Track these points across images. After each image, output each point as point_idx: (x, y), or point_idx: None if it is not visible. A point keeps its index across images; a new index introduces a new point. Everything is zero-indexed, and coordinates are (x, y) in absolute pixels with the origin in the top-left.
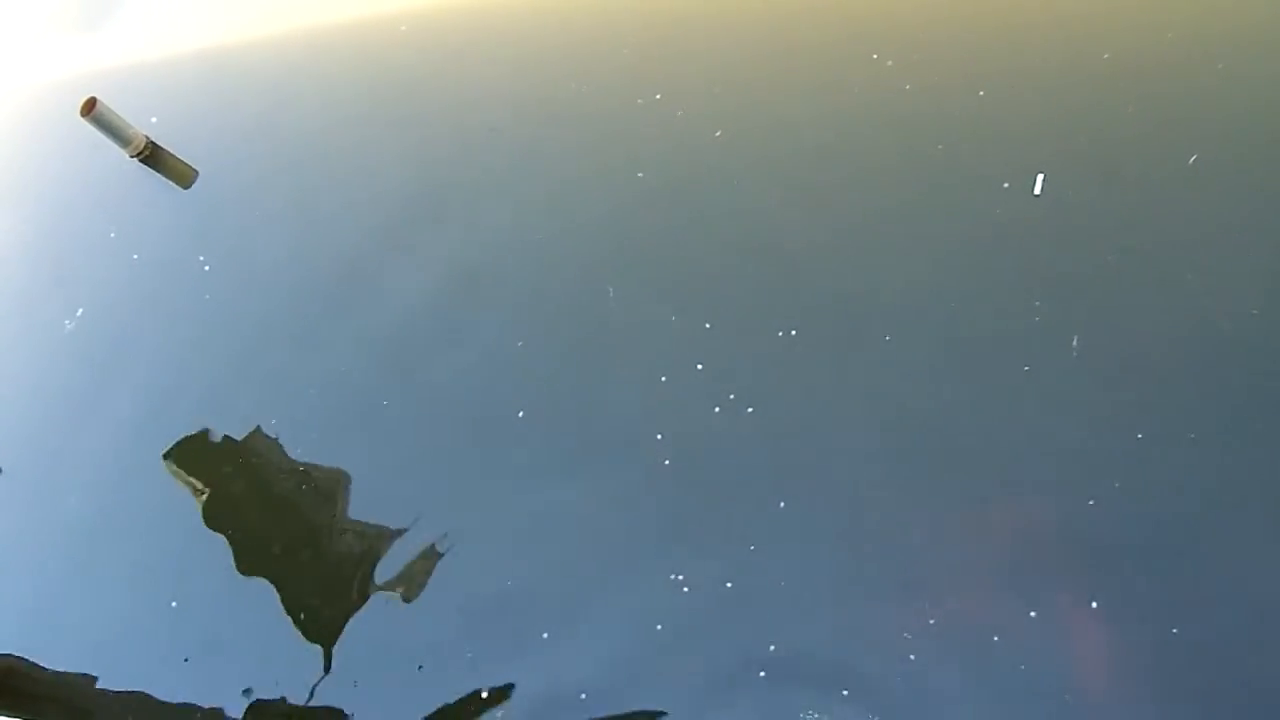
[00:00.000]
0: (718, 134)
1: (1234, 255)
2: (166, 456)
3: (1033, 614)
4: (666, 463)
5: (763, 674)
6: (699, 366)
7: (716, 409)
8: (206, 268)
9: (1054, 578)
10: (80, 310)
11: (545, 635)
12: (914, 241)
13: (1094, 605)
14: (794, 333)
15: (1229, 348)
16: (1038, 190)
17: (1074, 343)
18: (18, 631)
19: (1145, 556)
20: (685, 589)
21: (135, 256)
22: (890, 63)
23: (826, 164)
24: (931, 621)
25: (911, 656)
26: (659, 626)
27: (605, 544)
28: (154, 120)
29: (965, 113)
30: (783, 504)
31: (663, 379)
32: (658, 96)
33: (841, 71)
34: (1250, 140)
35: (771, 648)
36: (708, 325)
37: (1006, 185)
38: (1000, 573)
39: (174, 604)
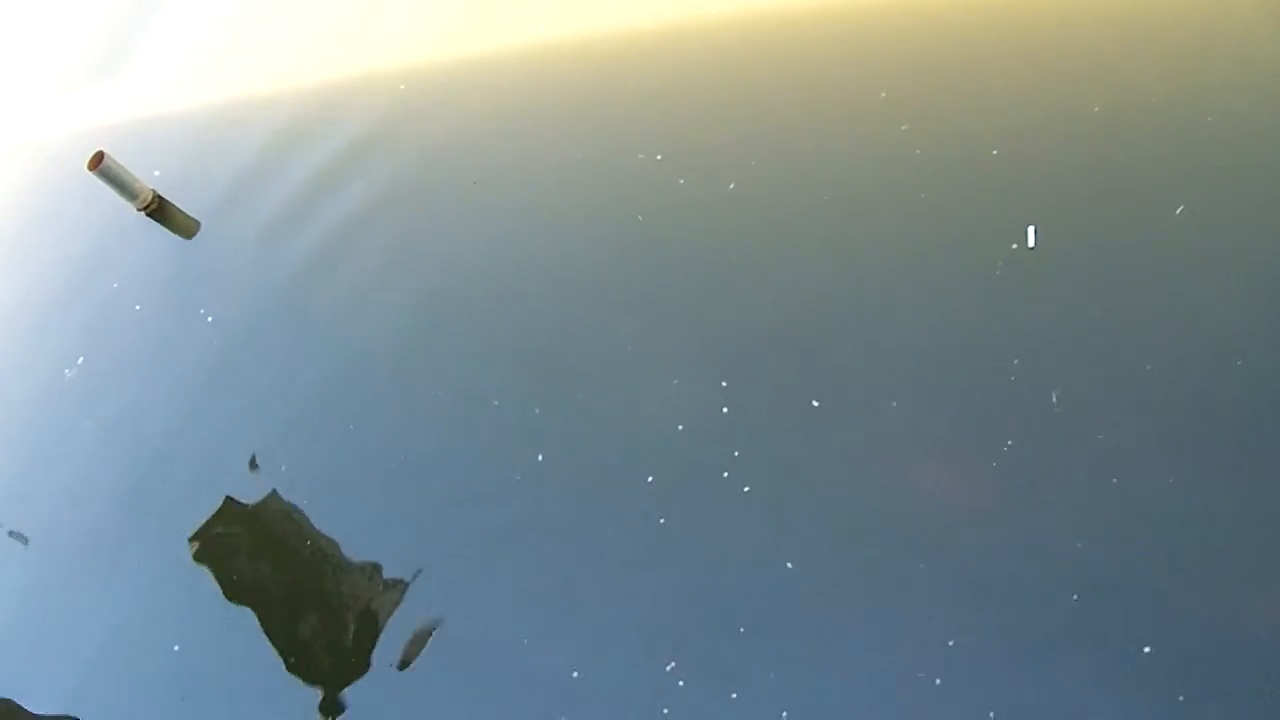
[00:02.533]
0: (731, 187)
1: (1220, 303)
2: (168, 513)
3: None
4: (662, 521)
5: None
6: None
7: (725, 473)
8: (209, 319)
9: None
10: (81, 359)
11: (548, 691)
12: (922, 297)
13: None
14: (815, 403)
15: (1216, 397)
16: (1031, 243)
17: (1053, 398)
18: (13, 675)
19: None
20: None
21: (138, 307)
22: (905, 127)
23: (836, 220)
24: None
25: None
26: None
27: (610, 602)
28: (157, 174)
29: (970, 168)
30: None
31: (679, 427)
32: (659, 157)
33: (849, 125)
34: (1240, 191)
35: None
36: (724, 384)
37: (1015, 246)
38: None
39: (176, 648)
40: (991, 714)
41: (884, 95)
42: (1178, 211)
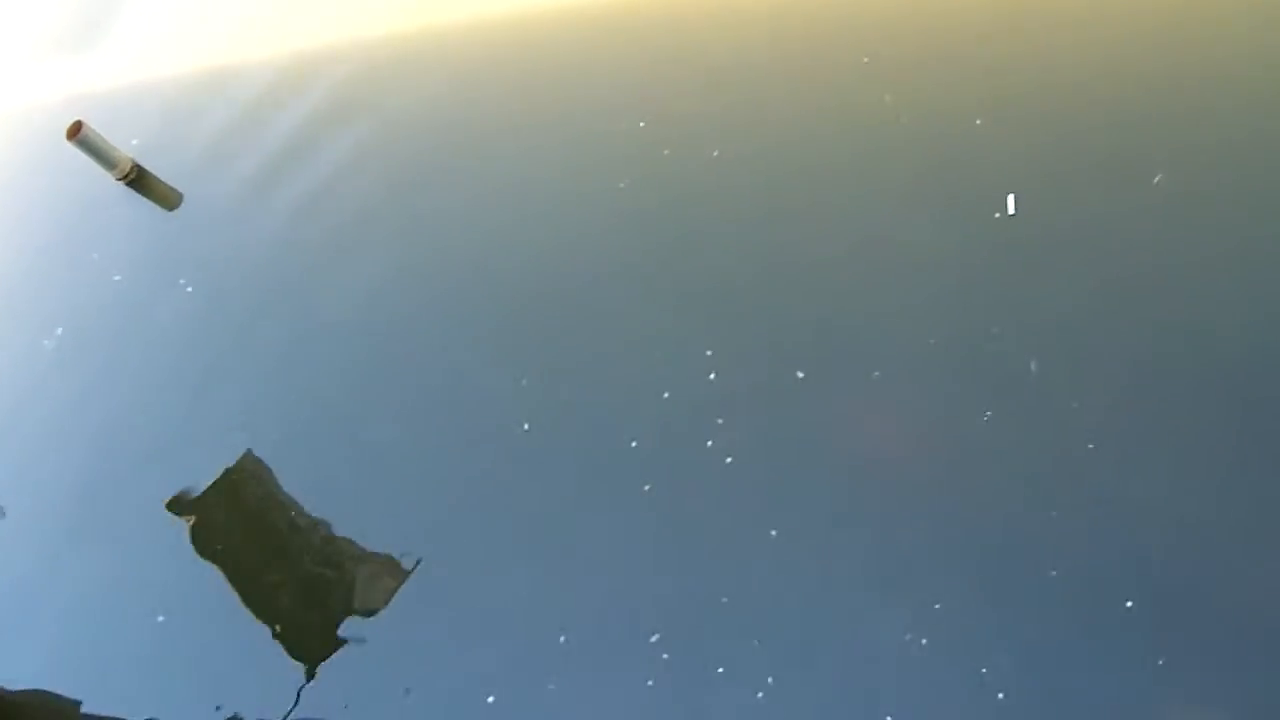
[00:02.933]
0: (715, 154)
1: (1198, 271)
2: (149, 482)
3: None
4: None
5: None
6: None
7: (709, 442)
8: (189, 289)
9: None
10: (60, 330)
11: (537, 662)
12: (905, 266)
13: None
14: (799, 374)
15: (1194, 365)
16: (1011, 210)
17: (1032, 366)
18: None
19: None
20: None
21: (117, 278)
22: (889, 98)
23: (819, 189)
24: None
25: None
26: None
27: (600, 570)
28: (135, 143)
29: (956, 138)
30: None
31: (664, 395)
32: (641, 124)
33: (832, 94)
34: (1220, 161)
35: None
36: (709, 352)
37: (997, 215)
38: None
39: (160, 619)
40: (984, 670)
41: (866, 60)
42: (1155, 180)
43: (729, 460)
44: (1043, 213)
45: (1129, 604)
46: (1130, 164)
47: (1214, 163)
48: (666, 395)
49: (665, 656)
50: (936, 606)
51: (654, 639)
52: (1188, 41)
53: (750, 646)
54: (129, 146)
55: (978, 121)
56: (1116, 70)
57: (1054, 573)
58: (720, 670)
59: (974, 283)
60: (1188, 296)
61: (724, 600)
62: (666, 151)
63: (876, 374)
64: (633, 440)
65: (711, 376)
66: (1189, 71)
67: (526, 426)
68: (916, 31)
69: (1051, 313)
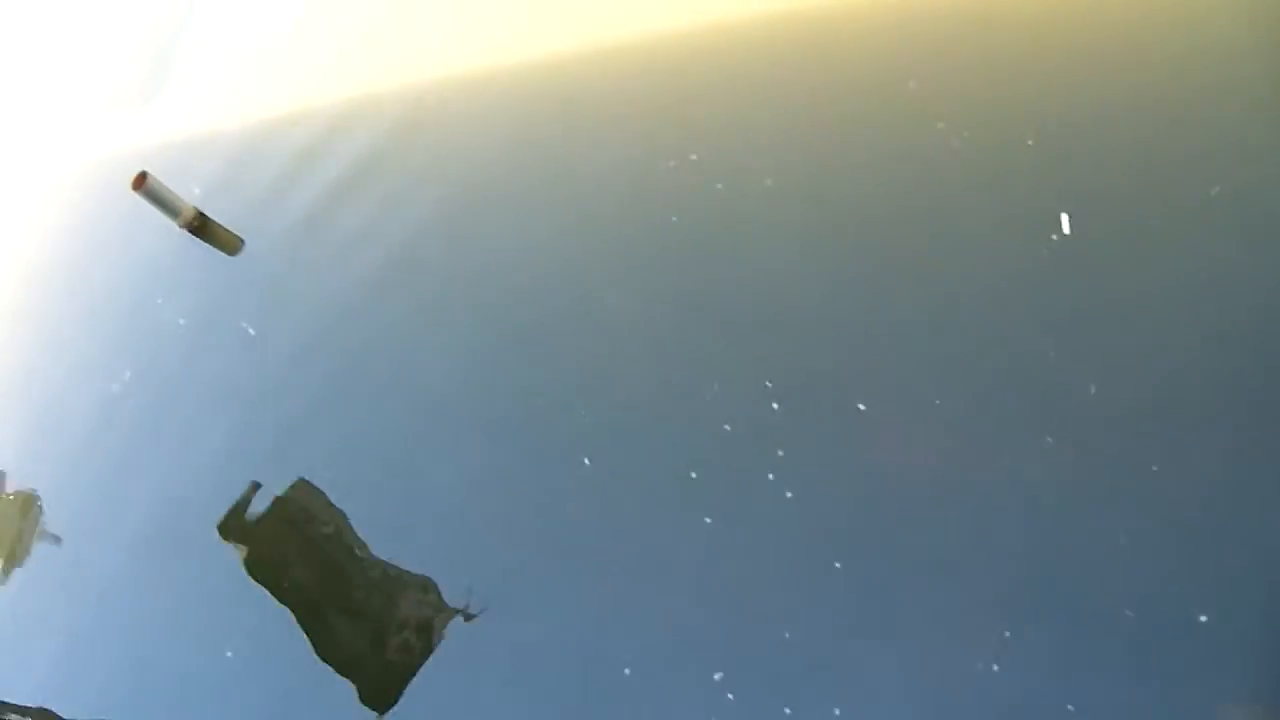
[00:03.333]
0: (769, 183)
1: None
2: (216, 521)
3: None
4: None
5: None
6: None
7: (770, 475)
8: (251, 332)
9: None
10: (128, 374)
11: (602, 696)
12: (963, 291)
13: None
14: (860, 405)
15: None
16: (1066, 230)
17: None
18: (54, 681)
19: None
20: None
21: (182, 322)
22: (941, 125)
23: (875, 217)
24: None
25: None
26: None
27: (664, 604)
28: (197, 191)
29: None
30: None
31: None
32: (693, 157)
33: (883, 118)
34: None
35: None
36: (768, 384)
37: (1055, 237)
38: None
39: (229, 654)
40: (1060, 699)
41: (913, 85)
42: (1213, 193)
43: (789, 495)
44: (1097, 232)
45: (1203, 618)
46: (1182, 179)
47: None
48: (728, 428)
49: (730, 697)
50: (1006, 634)
51: (718, 677)
52: (1237, 58)
53: (815, 681)
54: (191, 195)
55: (1029, 142)
56: (1165, 85)
57: (1125, 600)
58: (787, 711)
59: (1033, 306)
60: (1247, 312)
61: (787, 636)
62: (720, 186)
63: (937, 402)
64: (692, 471)
65: (775, 406)
66: (1241, 88)
67: (587, 461)
68: (960, 53)
69: (1110, 333)
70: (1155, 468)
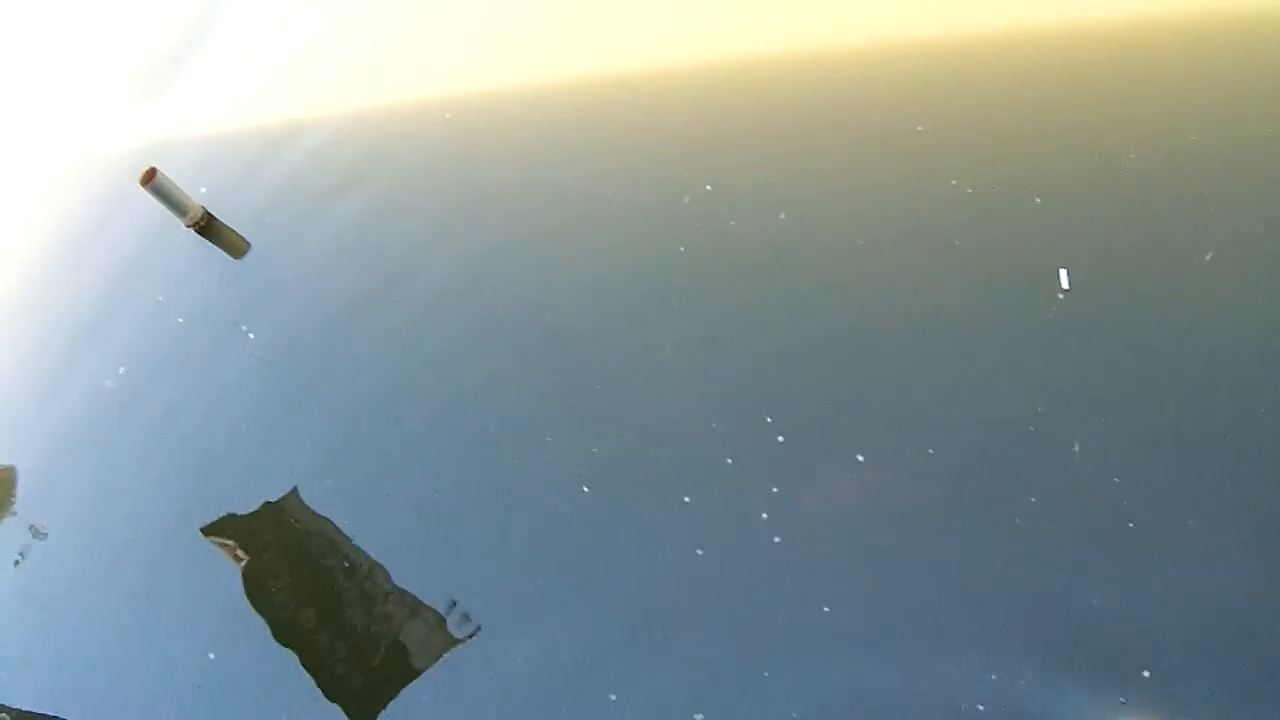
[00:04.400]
0: (782, 216)
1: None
2: (205, 523)
3: None
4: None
5: None
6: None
7: (764, 515)
8: (250, 335)
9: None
10: (122, 369)
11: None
12: (962, 342)
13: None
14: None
15: (1243, 447)
16: (1065, 285)
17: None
18: (52, 689)
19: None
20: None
21: (180, 320)
22: (954, 181)
23: (881, 261)
24: None
25: None
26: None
27: (651, 632)
28: (203, 190)
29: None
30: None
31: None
32: (708, 188)
33: (895, 166)
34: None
35: None
36: (769, 420)
37: (1061, 296)
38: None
39: (211, 656)
40: None
41: (920, 130)
42: (1207, 258)
43: (777, 540)
44: (1099, 290)
45: (1146, 674)
46: (1183, 242)
47: (1265, 242)
48: (730, 461)
49: None
50: (992, 678)
51: (698, 718)
52: (1245, 121)
53: None
54: (198, 194)
55: (1037, 200)
56: (1173, 149)
57: (1105, 645)
58: None
59: (1033, 360)
60: (1241, 373)
61: (765, 675)
62: (733, 223)
63: (931, 451)
64: (686, 496)
65: (780, 439)
66: (1246, 152)
67: (586, 489)
68: (971, 104)
69: (1102, 390)
70: (1131, 525)
